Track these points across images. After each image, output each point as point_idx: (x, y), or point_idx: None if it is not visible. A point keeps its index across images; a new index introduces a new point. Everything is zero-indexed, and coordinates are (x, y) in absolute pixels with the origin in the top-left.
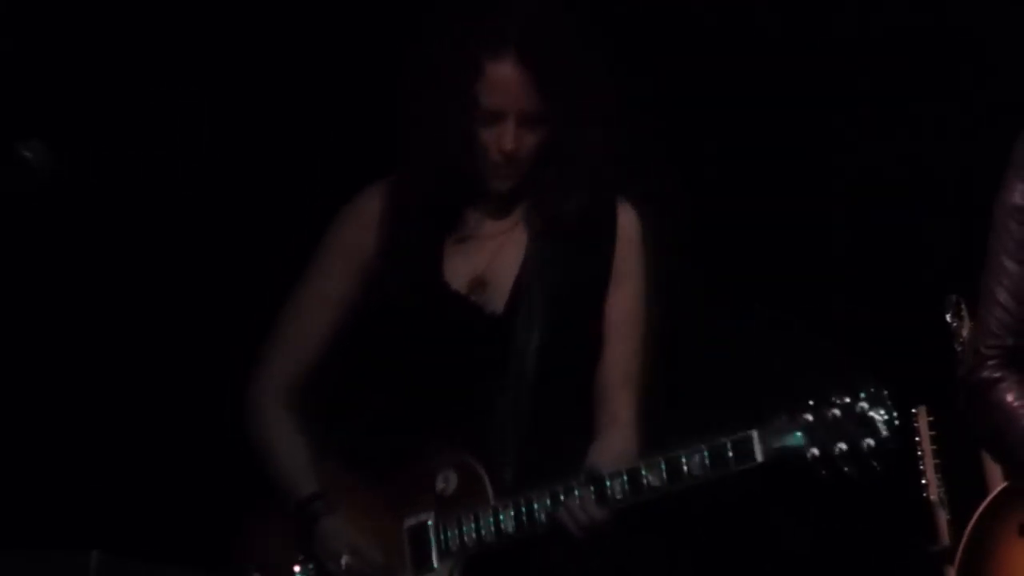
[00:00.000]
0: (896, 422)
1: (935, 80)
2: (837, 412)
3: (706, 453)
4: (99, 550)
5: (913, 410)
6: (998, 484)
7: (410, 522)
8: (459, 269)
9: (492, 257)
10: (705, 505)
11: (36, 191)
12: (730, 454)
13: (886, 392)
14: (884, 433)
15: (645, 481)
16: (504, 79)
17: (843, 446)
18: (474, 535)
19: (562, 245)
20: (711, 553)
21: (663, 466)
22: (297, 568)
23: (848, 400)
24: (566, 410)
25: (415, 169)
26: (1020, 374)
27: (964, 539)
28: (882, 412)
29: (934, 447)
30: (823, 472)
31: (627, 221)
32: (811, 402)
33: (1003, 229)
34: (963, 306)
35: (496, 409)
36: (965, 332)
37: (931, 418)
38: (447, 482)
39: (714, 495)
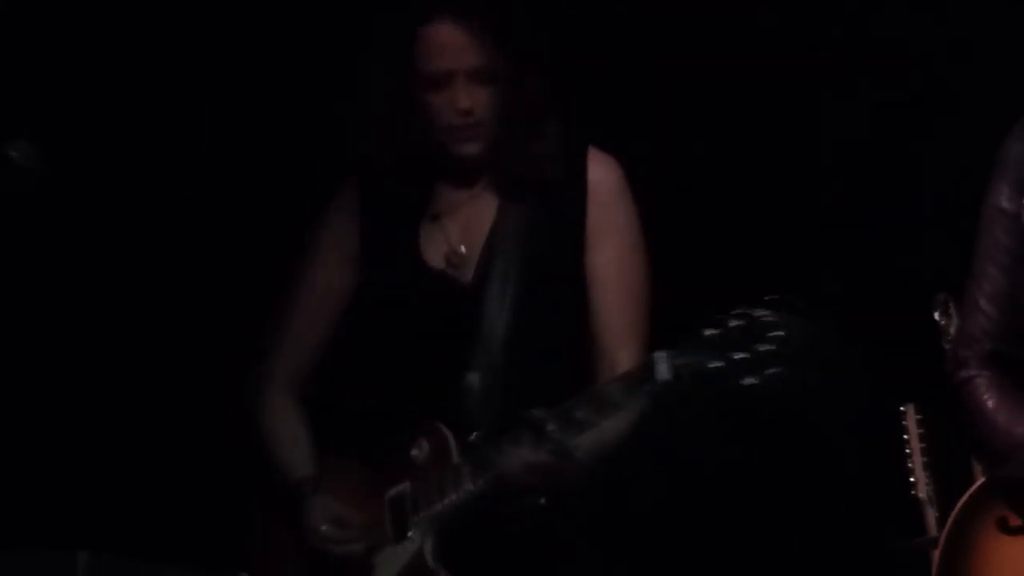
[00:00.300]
0: (790, 325)
1: (932, 79)
2: (740, 323)
3: (620, 381)
4: (87, 549)
5: (901, 408)
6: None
7: (390, 493)
8: (435, 245)
9: (464, 228)
10: (692, 500)
11: (24, 191)
12: (641, 376)
13: (783, 298)
14: (780, 335)
15: (576, 413)
16: (442, 39)
17: (743, 355)
18: (440, 498)
19: (530, 207)
20: (698, 548)
21: (589, 396)
22: None
23: (749, 312)
24: (539, 372)
25: (376, 154)
26: (997, 374)
27: (945, 533)
28: (778, 317)
29: (922, 445)
30: (727, 384)
31: (601, 174)
32: (717, 317)
33: (987, 233)
34: (951, 305)
35: (468, 375)
36: (953, 330)
37: (919, 416)
38: (420, 449)
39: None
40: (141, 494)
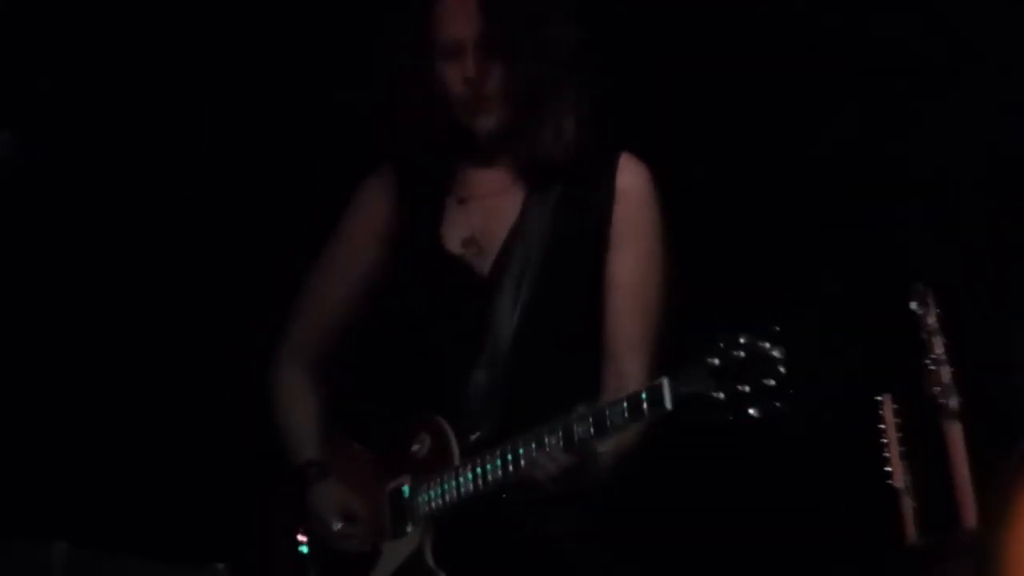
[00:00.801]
0: (791, 359)
1: (911, 76)
2: (742, 354)
3: (625, 404)
4: (63, 540)
5: (878, 398)
6: (963, 470)
7: (390, 486)
8: (455, 230)
9: (487, 217)
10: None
11: (7, 182)
12: (644, 403)
13: (783, 330)
14: (782, 371)
15: (575, 432)
16: (452, 6)
17: (746, 388)
18: (440, 498)
19: (557, 204)
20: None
21: (590, 419)
22: (302, 536)
23: (753, 342)
24: (546, 372)
25: (399, 130)
26: None
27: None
28: (781, 351)
29: (899, 435)
30: (729, 414)
31: (631, 179)
32: (721, 345)
33: None
34: (929, 295)
35: (474, 370)
36: (930, 320)
37: (896, 406)
38: (422, 444)
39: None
40: (119, 486)
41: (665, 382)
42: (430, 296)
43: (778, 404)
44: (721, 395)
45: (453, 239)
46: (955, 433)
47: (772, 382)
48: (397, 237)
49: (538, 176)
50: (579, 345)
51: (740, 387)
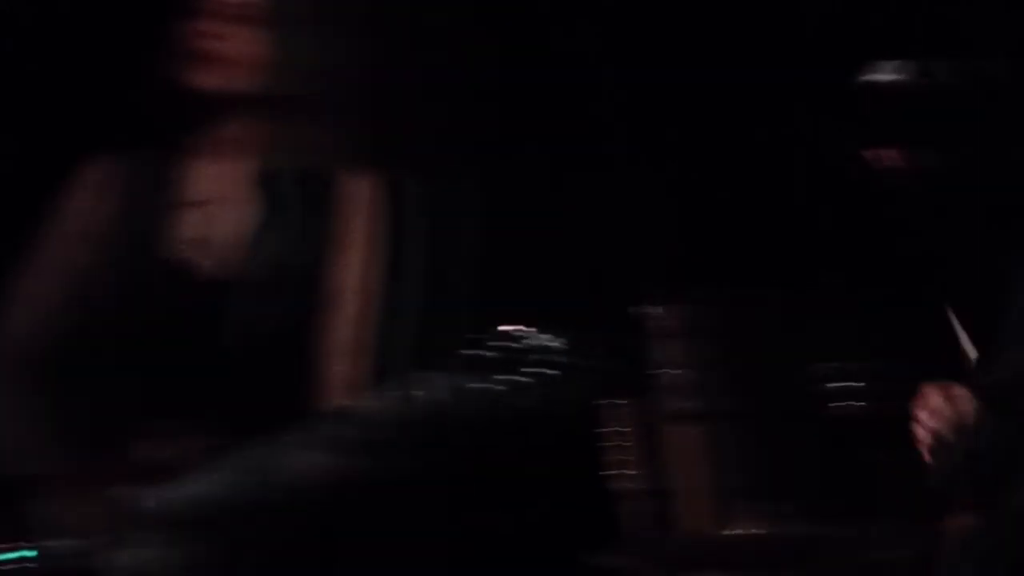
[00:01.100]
0: (555, 351)
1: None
2: (513, 345)
3: (396, 400)
4: None
5: (613, 401)
6: (684, 475)
7: (122, 495)
8: (182, 232)
9: (219, 219)
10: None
11: None
12: (416, 396)
13: (552, 324)
14: (564, 361)
15: (337, 433)
16: None
17: (514, 378)
18: (180, 504)
19: (289, 207)
20: None
21: (354, 419)
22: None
23: (535, 333)
24: (282, 380)
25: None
26: None
27: None
28: (563, 343)
29: (634, 439)
30: (493, 405)
31: (356, 187)
32: (499, 338)
33: None
34: (656, 298)
35: (207, 376)
36: (655, 323)
37: (628, 409)
38: (161, 452)
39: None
40: None
41: (423, 375)
42: (151, 299)
43: (558, 394)
44: (487, 385)
45: (185, 242)
46: (678, 437)
47: (553, 372)
48: (115, 236)
49: (274, 179)
50: (309, 351)
51: (508, 377)
